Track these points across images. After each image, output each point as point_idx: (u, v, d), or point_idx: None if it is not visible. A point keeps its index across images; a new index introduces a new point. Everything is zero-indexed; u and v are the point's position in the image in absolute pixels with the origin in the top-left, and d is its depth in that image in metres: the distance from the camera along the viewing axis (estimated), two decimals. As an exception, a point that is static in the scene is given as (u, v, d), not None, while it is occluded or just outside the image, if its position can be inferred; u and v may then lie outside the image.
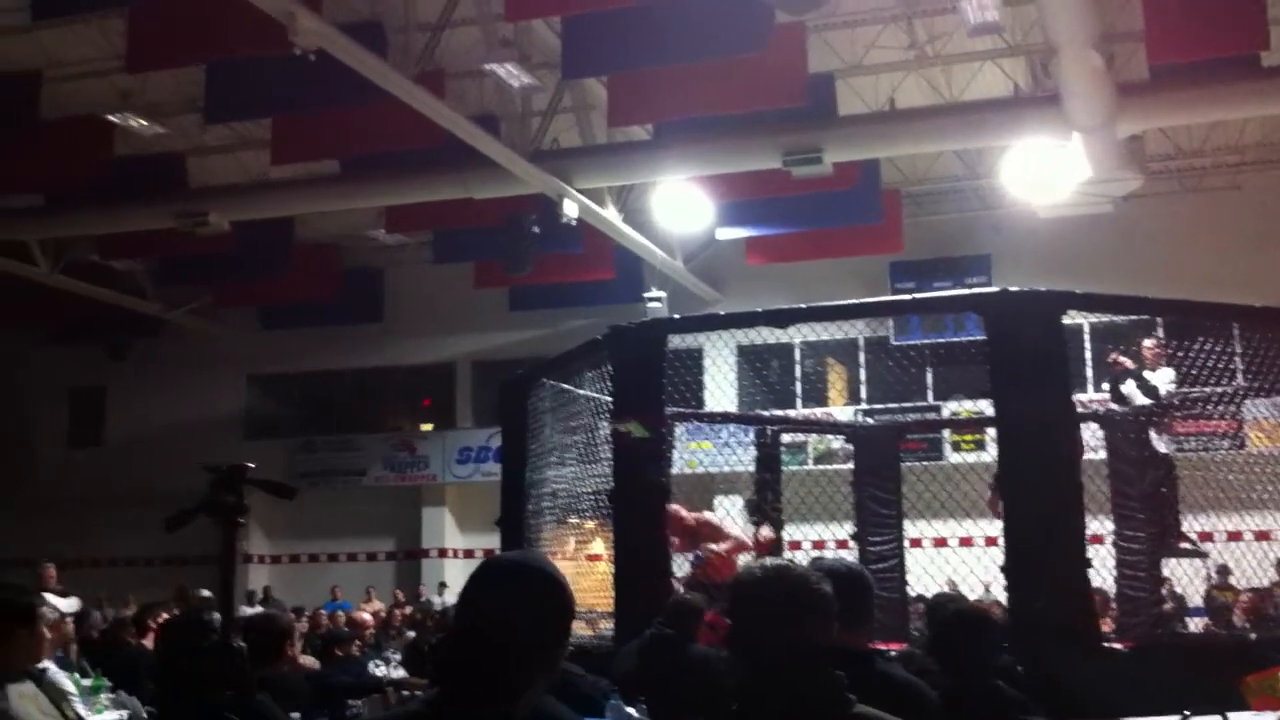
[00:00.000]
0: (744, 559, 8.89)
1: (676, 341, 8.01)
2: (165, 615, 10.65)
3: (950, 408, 17.81)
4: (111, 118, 14.99)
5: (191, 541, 3.59)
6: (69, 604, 5.54)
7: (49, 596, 5.87)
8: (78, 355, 23.25)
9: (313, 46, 11.00)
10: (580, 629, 8.72)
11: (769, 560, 2.57)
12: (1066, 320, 6.57)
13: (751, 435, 10.86)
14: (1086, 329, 14.37)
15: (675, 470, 10.31)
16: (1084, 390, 14.18)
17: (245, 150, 17.30)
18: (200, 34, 12.22)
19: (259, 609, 18.31)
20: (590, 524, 8.76)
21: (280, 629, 5.32)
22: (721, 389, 10.16)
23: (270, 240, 17.78)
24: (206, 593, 9.82)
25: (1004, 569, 6.30)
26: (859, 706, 2.37)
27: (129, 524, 18.88)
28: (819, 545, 10.73)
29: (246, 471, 3.41)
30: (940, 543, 11.08)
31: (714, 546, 8.92)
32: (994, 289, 8.69)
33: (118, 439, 23.22)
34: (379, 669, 9.67)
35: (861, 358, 19.40)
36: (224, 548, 3.44)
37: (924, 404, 18.35)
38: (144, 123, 15.39)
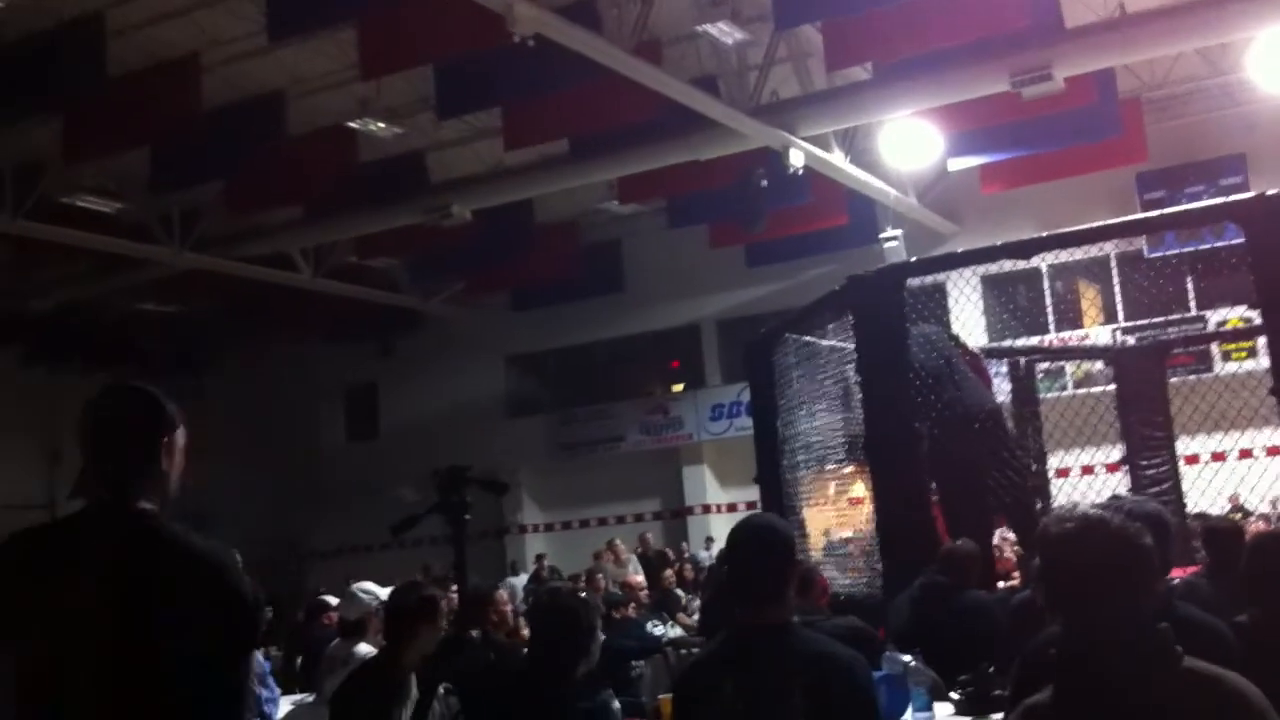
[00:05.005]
0: None
1: (917, 280, 7.96)
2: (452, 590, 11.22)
3: (1215, 317, 16.96)
4: (353, 125, 15.74)
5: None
6: (387, 592, 5.93)
7: (368, 584, 6.30)
8: (351, 354, 24.65)
9: (531, 33, 11.29)
10: (846, 575, 8.81)
11: (1078, 510, 2.41)
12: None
13: (1004, 367, 10.64)
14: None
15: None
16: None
17: (479, 140, 17.87)
18: (425, 35, 12.69)
19: (518, 578, 19.12)
20: (849, 469, 8.82)
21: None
22: (968, 323, 10.01)
23: (512, 224, 18.41)
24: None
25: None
26: (1187, 660, 2.30)
27: (405, 509, 19.88)
28: (1087, 471, 10.46)
29: (465, 471, 3.64)
30: (1219, 457, 10.60)
31: None
32: (1249, 195, 8.24)
33: (390, 430, 24.48)
34: (656, 629, 9.97)
35: (1115, 275, 18.65)
36: (455, 543, 3.67)
37: (1187, 316, 17.54)
38: (383, 126, 16.09)
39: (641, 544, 18.99)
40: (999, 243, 7.86)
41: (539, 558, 20.63)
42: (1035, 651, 3.58)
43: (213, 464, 25.75)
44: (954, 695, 5.01)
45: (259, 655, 6.92)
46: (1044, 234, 7.60)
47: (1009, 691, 3.53)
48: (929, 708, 4.83)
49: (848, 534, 9.23)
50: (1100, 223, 7.42)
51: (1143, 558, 2.35)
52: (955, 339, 8.58)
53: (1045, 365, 13.14)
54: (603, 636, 6.79)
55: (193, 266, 18.35)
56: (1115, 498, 3.68)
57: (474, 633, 3.68)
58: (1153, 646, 2.30)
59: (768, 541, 3.27)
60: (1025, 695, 2.48)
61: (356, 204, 17.18)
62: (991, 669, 4.87)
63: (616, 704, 4.02)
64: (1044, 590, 2.49)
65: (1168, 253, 17.43)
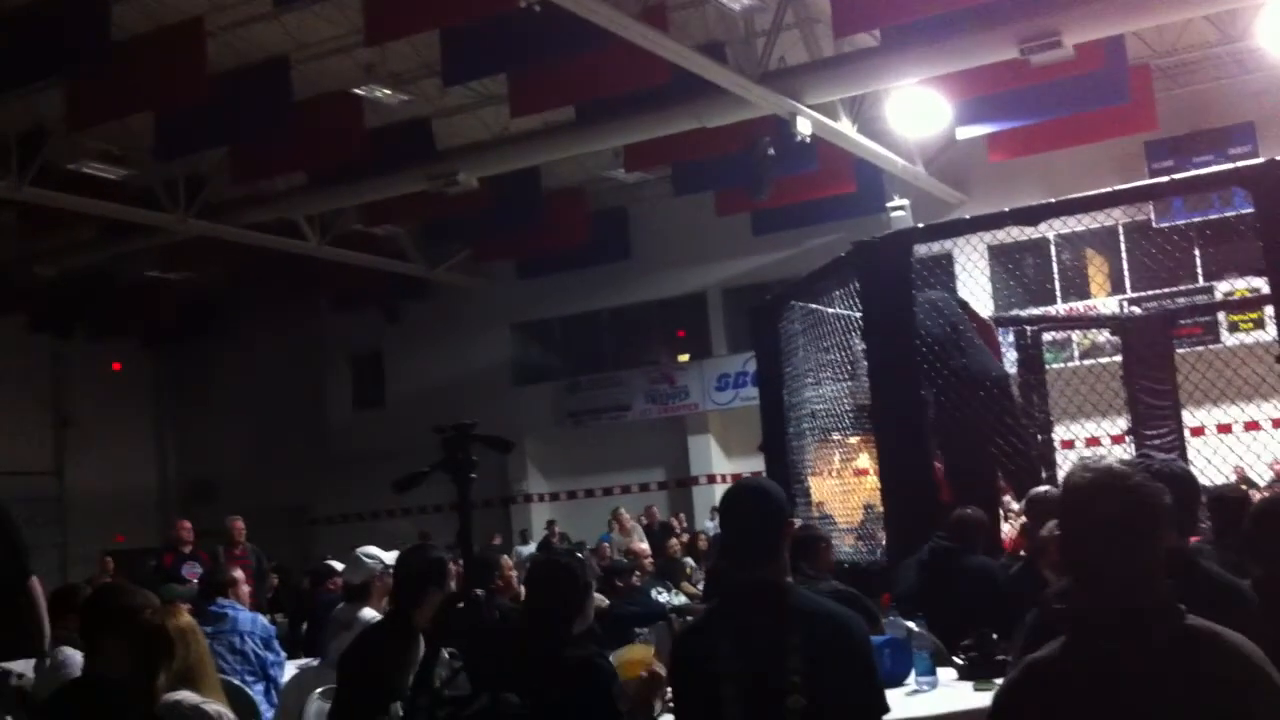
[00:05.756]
0: None
1: (924, 248, 7.91)
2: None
3: (1223, 287, 16.89)
4: (358, 91, 15.67)
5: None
6: (391, 556, 5.94)
7: (372, 549, 6.30)
8: (357, 322, 24.66)
9: (536, -3, 11.26)
10: (851, 543, 8.83)
11: (1098, 462, 2.39)
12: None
13: (1011, 337, 10.61)
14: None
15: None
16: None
17: (485, 107, 17.80)
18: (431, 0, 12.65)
19: (526, 547, 19.17)
20: (854, 439, 8.81)
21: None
22: (974, 293, 10.02)
23: (519, 191, 18.36)
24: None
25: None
26: (1190, 618, 2.29)
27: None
28: (1093, 442, 10.44)
29: (472, 429, 3.61)
30: (1224, 429, 10.57)
31: None
32: (1260, 160, 8.18)
33: (397, 398, 24.48)
34: (661, 596, 10.00)
35: (1122, 245, 18.57)
36: (460, 501, 3.63)
37: (1194, 286, 17.46)
38: (388, 92, 16.02)
39: (647, 516, 19.05)
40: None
41: (549, 524, 20.72)
42: (1045, 611, 3.57)
43: (219, 431, 26.05)
44: (957, 660, 5.01)
45: (263, 619, 6.92)
46: (1052, 200, 7.54)
47: (1015, 655, 3.52)
48: (932, 671, 4.84)
49: (852, 503, 9.23)
50: (1110, 188, 7.36)
51: (1159, 517, 2.33)
52: (963, 305, 8.55)
53: (1051, 336, 13.09)
54: (604, 600, 6.76)
55: (198, 233, 18.33)
56: (1145, 456, 3.65)
57: (478, 591, 3.70)
58: (1158, 604, 2.29)
59: (760, 503, 3.27)
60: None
61: (362, 171, 17.12)
62: (995, 634, 4.87)
63: (611, 660, 4.04)
64: (1059, 540, 2.47)
65: (1176, 222, 17.34)
